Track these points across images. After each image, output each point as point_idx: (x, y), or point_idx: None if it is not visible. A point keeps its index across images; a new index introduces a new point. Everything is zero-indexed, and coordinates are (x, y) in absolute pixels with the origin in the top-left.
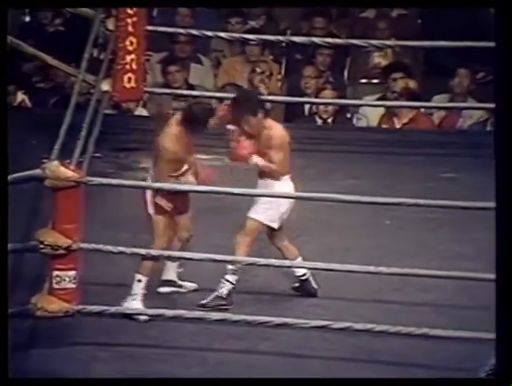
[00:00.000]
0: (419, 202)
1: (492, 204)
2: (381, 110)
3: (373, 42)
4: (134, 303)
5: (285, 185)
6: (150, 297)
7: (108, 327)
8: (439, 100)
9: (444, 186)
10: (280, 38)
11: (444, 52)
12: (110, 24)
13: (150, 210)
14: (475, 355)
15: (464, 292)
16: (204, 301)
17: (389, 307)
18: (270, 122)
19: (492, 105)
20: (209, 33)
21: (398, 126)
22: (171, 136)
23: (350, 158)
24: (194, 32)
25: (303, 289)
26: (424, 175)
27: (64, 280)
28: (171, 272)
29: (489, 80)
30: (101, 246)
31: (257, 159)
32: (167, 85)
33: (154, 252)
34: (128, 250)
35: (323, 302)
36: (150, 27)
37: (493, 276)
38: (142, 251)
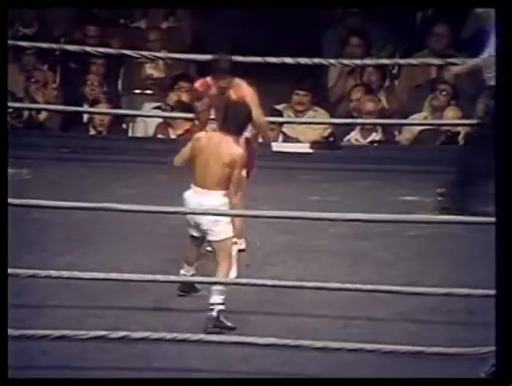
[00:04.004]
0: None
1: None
2: (157, 120)
3: (145, 53)
4: None
5: None
6: None
7: None
8: None
9: None
10: (53, 46)
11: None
12: None
13: None
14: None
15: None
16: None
17: None
18: None
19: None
20: None
21: (173, 137)
22: None
23: (127, 167)
24: None
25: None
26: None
27: None
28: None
29: None
30: None
31: None
32: None
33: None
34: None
35: (98, 312)
36: None
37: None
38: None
